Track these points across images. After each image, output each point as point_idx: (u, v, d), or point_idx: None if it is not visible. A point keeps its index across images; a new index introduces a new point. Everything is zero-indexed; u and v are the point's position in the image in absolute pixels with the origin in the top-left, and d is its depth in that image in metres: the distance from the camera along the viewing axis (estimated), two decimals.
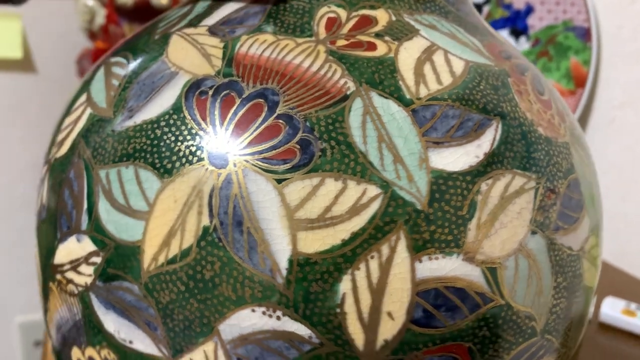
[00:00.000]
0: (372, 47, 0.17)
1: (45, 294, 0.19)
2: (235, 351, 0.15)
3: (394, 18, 0.18)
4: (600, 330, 0.41)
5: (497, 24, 0.61)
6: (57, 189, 0.18)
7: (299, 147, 0.15)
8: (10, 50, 0.83)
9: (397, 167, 0.15)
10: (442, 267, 0.15)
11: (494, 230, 0.15)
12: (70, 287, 0.17)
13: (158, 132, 0.16)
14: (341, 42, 0.17)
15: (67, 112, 0.20)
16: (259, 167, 0.15)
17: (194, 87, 0.16)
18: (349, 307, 0.14)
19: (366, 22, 0.18)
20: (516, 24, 0.61)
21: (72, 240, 0.17)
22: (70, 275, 0.17)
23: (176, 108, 0.16)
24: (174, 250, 0.15)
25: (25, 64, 0.86)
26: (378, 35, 0.17)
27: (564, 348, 0.18)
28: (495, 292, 0.15)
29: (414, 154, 0.15)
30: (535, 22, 0.60)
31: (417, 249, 0.15)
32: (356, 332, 0.14)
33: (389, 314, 0.14)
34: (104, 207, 0.16)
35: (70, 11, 0.84)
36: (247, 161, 0.15)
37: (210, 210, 0.15)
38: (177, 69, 0.17)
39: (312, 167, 0.15)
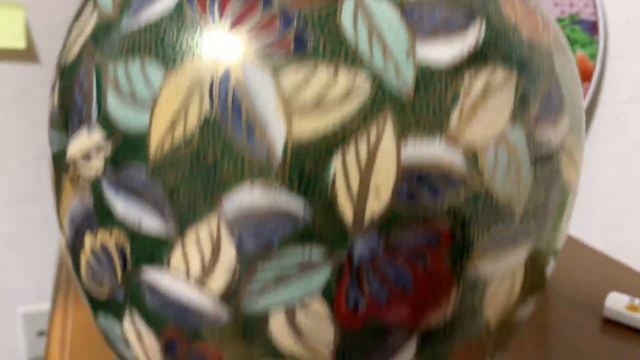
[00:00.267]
0: None
1: (59, 190, 0.20)
2: (237, 225, 0.16)
3: None
4: (604, 326, 0.41)
5: None
6: (68, 91, 0.19)
7: (293, 39, 0.16)
8: (14, 40, 0.84)
9: (386, 59, 0.16)
10: (425, 150, 0.16)
11: (476, 120, 0.17)
12: (82, 178, 0.18)
13: (162, 28, 0.17)
14: None
15: (76, 19, 0.21)
16: (256, 58, 0.16)
17: None
18: (340, 184, 0.16)
19: None
20: None
21: (82, 134, 0.18)
22: (82, 166, 0.18)
23: (178, 5, 0.17)
24: (178, 136, 0.16)
25: (28, 54, 0.86)
26: None
27: (541, 242, 0.19)
28: (475, 177, 0.17)
29: (402, 47, 0.16)
30: None
31: (403, 133, 0.16)
32: (346, 208, 0.16)
33: (377, 191, 0.16)
34: (112, 99, 0.17)
35: (73, 1, 0.84)
36: (244, 53, 0.16)
37: (211, 100, 0.16)
38: None
39: (306, 57, 0.16)
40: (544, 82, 0.18)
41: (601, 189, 0.60)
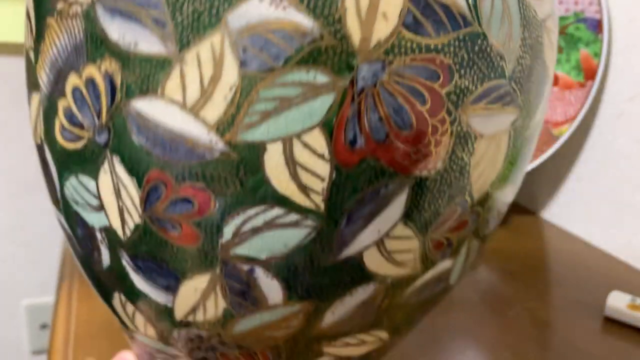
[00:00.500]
0: None
1: (40, 37, 0.19)
2: (241, 41, 0.16)
3: None
4: (606, 325, 0.41)
5: None
6: None
7: None
8: (18, 35, 0.83)
9: None
10: None
11: None
12: (74, 7, 0.17)
13: None
14: None
15: None
16: None
17: None
18: (349, 3, 0.16)
19: None
20: None
21: None
22: None
23: None
24: None
25: None
26: None
27: (522, 116, 0.20)
28: (474, 17, 0.17)
29: None
30: None
31: None
32: (354, 28, 0.16)
33: (384, 15, 0.16)
34: None
35: None
36: None
37: None
38: None
39: None
40: None
41: (604, 187, 0.60)
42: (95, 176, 0.19)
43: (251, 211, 0.18)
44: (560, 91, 0.59)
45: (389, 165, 0.17)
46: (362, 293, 0.20)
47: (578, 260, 0.53)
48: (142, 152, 0.17)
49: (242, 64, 0.16)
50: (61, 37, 0.18)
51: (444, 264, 0.21)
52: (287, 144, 0.17)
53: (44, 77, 0.19)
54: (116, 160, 0.18)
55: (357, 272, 0.19)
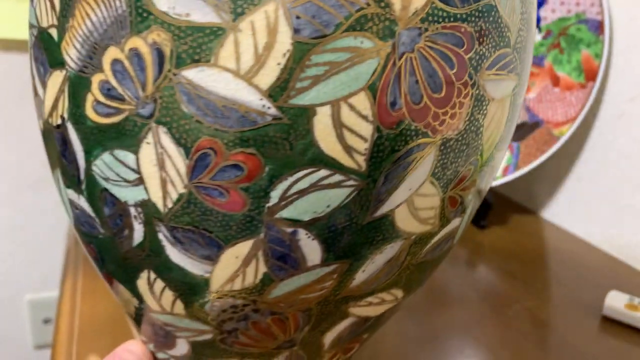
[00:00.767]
0: None
1: (67, 14, 0.19)
2: (294, 9, 0.17)
3: None
4: (604, 324, 0.41)
5: None
6: None
7: None
8: (23, 32, 0.83)
9: None
10: None
11: None
12: None
13: None
14: None
15: None
16: None
17: None
18: None
19: None
20: None
21: None
22: None
23: None
24: None
25: None
26: None
27: (519, 83, 0.23)
28: None
29: None
30: (547, 14, 0.59)
31: None
32: None
33: None
34: None
35: None
36: None
37: None
38: None
39: None
40: None
41: (604, 187, 0.60)
42: (135, 149, 0.19)
43: (299, 174, 0.18)
44: (561, 92, 0.60)
45: (422, 126, 0.19)
46: (390, 251, 0.21)
47: (577, 260, 0.53)
48: (192, 121, 0.18)
49: (295, 31, 0.17)
50: (97, 11, 0.18)
51: (455, 222, 0.23)
52: (335, 106, 0.18)
53: (72, 54, 0.19)
54: (162, 131, 0.18)
55: (388, 230, 0.21)
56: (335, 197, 0.19)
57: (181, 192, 0.19)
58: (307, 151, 0.18)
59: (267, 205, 0.19)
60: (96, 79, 0.19)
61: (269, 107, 0.17)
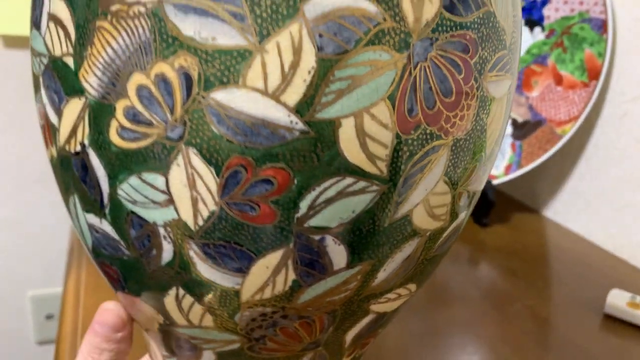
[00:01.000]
0: None
1: (84, 42, 0.19)
2: (317, 28, 0.18)
3: None
4: (605, 323, 0.41)
5: None
6: None
7: None
8: (23, 28, 0.82)
9: None
10: None
11: None
12: (136, 8, 0.18)
13: None
14: None
15: None
16: None
17: None
18: None
19: None
20: (532, 14, 0.60)
21: None
22: None
23: None
24: None
25: None
26: None
27: (514, 78, 0.24)
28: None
29: None
30: (551, 13, 0.60)
31: None
32: (408, 11, 0.18)
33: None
34: None
35: None
36: None
37: None
38: None
39: None
40: None
41: (605, 186, 0.60)
42: (164, 171, 0.19)
43: (325, 183, 0.19)
44: (564, 91, 0.60)
45: (436, 129, 0.20)
46: (408, 248, 0.23)
47: (579, 258, 0.54)
48: (222, 141, 0.18)
49: (319, 49, 0.18)
50: (119, 39, 0.18)
51: (461, 216, 0.25)
52: (358, 118, 0.19)
53: (92, 81, 0.19)
54: (192, 152, 0.19)
55: (407, 229, 0.22)
56: (359, 203, 0.20)
57: (212, 209, 0.19)
58: (333, 161, 0.19)
59: (297, 215, 0.20)
60: (120, 105, 0.19)
61: (296, 123, 0.18)
